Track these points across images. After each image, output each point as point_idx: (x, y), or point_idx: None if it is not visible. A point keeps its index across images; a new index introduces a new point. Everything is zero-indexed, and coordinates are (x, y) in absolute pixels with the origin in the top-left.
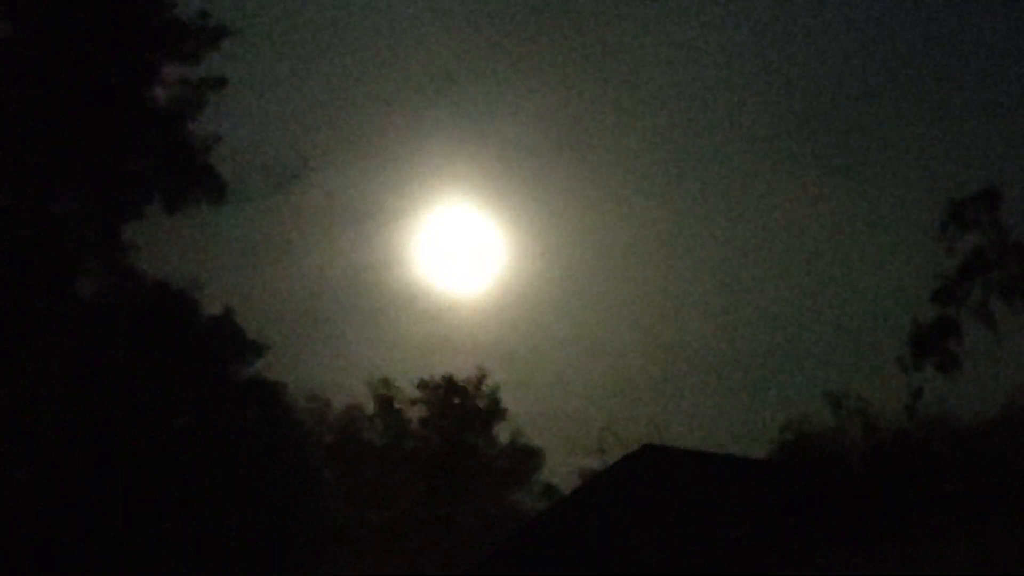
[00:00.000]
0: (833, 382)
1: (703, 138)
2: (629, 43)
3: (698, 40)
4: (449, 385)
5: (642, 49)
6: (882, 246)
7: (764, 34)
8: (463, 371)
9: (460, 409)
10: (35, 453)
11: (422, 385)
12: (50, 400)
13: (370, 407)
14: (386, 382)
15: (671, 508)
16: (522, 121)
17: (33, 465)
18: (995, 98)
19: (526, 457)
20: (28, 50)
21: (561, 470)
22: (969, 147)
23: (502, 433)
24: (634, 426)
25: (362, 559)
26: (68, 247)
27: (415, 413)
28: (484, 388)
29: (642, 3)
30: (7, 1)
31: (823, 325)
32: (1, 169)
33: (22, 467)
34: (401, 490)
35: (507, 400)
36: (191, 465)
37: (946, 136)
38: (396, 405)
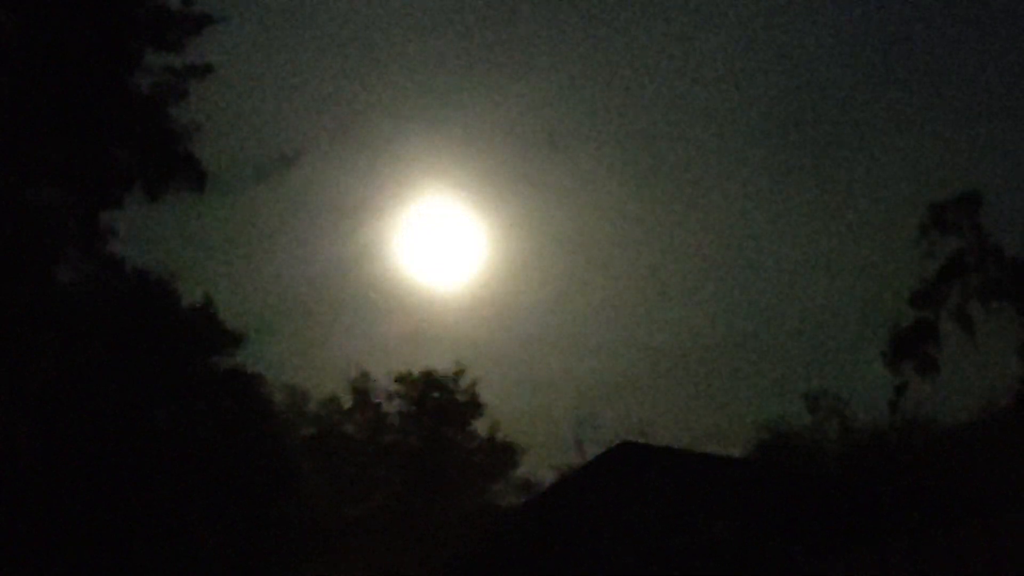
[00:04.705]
0: (812, 382)
1: (685, 137)
2: (614, 39)
3: (682, 40)
4: (428, 379)
5: (627, 47)
6: (862, 248)
7: (747, 37)
8: (442, 365)
9: (438, 404)
10: (9, 441)
11: (401, 379)
12: (26, 388)
13: (348, 400)
14: (364, 375)
15: (648, 505)
16: (504, 117)
17: (7, 453)
18: (977, 102)
19: (504, 452)
20: (8, 36)
21: (539, 466)
22: (950, 151)
23: (480, 428)
24: (613, 423)
25: (337, 553)
26: (46, 234)
27: (393, 407)
28: (463, 383)
29: (628, 3)
30: None
31: (803, 326)
32: None
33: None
34: (378, 484)
35: (486, 395)
36: (167, 455)
37: (927, 140)
38: (374, 399)
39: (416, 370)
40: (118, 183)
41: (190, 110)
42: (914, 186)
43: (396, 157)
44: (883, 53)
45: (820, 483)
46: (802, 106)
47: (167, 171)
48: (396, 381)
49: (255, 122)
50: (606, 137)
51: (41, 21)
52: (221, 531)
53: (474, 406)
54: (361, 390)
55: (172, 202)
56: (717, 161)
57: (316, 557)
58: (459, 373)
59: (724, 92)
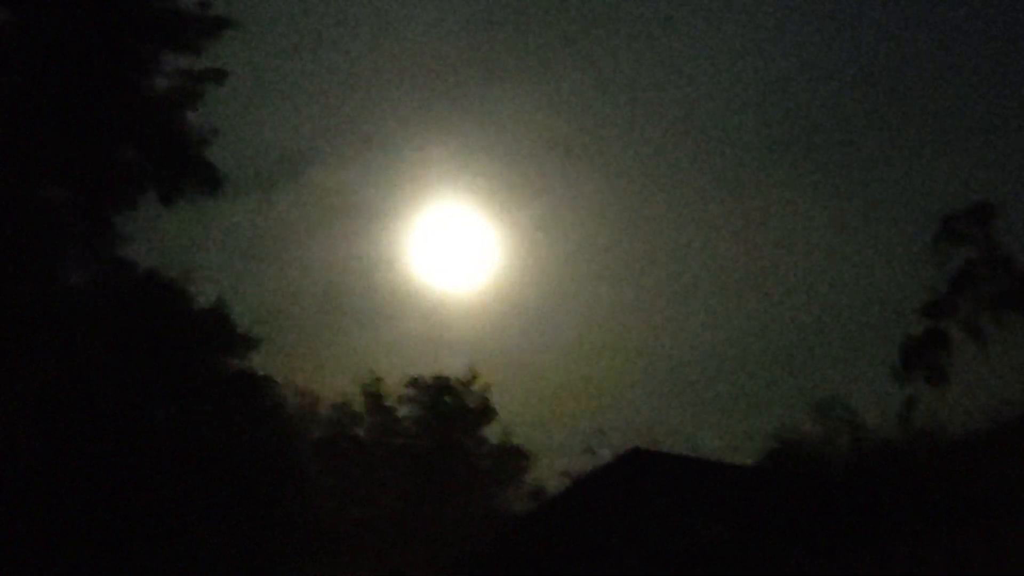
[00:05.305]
0: (822, 392)
1: (698, 145)
2: (628, 48)
3: (696, 48)
4: (440, 384)
5: (640, 55)
6: (875, 258)
7: (761, 45)
8: (455, 370)
9: (450, 408)
10: (16, 442)
11: (412, 383)
12: (33, 389)
13: (360, 403)
14: (377, 379)
15: (657, 511)
16: (520, 123)
17: (14, 453)
18: (990, 113)
19: (515, 458)
20: (25, 36)
21: (550, 472)
22: (963, 162)
23: (491, 434)
24: (624, 430)
25: (344, 555)
26: (57, 235)
27: (405, 411)
28: (475, 388)
29: (642, 9)
30: None
31: (815, 335)
32: None
33: (7, 451)
34: (387, 488)
35: (497, 401)
36: (176, 457)
37: (941, 150)
38: (386, 403)
39: (428, 374)
40: (131, 185)
41: (206, 113)
42: (927, 197)
43: (411, 162)
44: (897, 65)
45: (828, 492)
46: (816, 116)
47: (181, 175)
48: (408, 385)
49: (271, 126)
50: (622, 144)
51: (58, 22)
52: (228, 531)
53: (485, 411)
54: (373, 393)
55: (186, 206)
56: (731, 170)
57: (322, 558)
58: (471, 378)
59: (737, 102)
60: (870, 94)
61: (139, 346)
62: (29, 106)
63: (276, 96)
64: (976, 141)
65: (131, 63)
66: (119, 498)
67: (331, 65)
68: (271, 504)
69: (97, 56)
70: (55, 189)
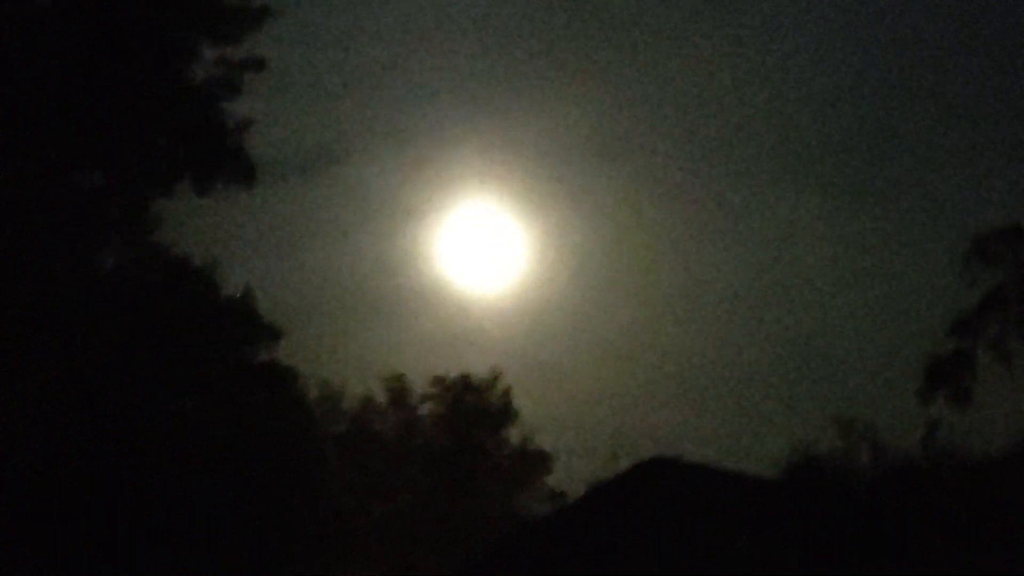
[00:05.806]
0: (845, 408)
1: (726, 156)
2: (661, 53)
3: (730, 56)
4: (463, 383)
5: (673, 61)
6: (903, 276)
7: (793, 59)
8: (478, 370)
9: (472, 408)
10: (40, 430)
11: (436, 382)
12: (57, 377)
13: (382, 400)
14: (399, 376)
15: (675, 520)
16: (550, 125)
17: (37, 441)
18: None
19: (535, 461)
20: (65, 22)
21: (570, 476)
22: (996, 182)
23: (513, 435)
24: (646, 437)
25: (361, 552)
26: (94, 221)
27: (427, 409)
28: (497, 389)
29: (671, 13)
30: None
31: (840, 351)
32: (29, 140)
33: (27, 441)
34: (406, 485)
35: (520, 402)
36: (197, 447)
37: (973, 170)
38: (408, 400)
39: (452, 373)
40: (168, 173)
41: (242, 103)
42: (958, 216)
43: (442, 161)
44: (932, 81)
45: (848, 508)
46: (844, 130)
47: (216, 164)
48: (431, 384)
49: (306, 119)
50: (650, 149)
51: (96, 7)
52: (247, 524)
53: (507, 412)
54: (395, 390)
55: (220, 195)
56: (759, 183)
57: (340, 554)
58: (494, 379)
59: (766, 114)
60: (902, 109)
61: (166, 333)
62: (68, 91)
63: (312, 89)
64: (1008, 161)
65: (171, 51)
66: (135, 489)
67: (368, 60)
68: (291, 498)
69: (137, 43)
70: (92, 175)
